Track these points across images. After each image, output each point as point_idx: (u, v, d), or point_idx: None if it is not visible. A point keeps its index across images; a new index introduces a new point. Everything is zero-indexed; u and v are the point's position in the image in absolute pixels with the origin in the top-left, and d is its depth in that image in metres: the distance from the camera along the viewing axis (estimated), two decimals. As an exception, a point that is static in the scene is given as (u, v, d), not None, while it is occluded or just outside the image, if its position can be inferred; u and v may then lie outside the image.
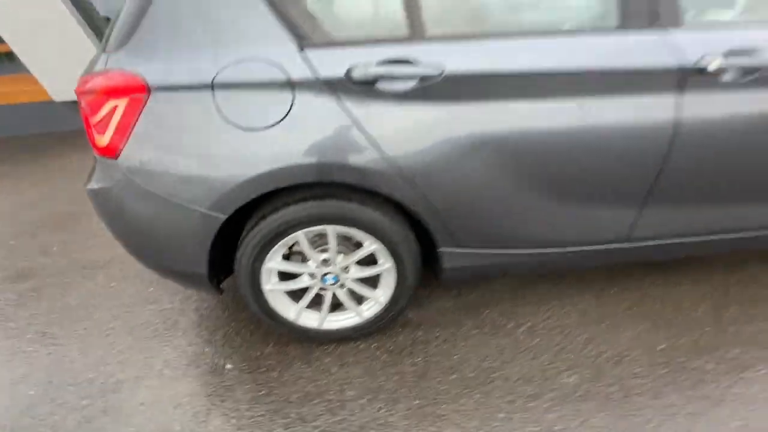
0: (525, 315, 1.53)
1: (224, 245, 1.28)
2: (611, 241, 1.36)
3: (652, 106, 1.10)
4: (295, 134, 1.06)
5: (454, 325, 1.52)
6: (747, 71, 1.07)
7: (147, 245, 1.22)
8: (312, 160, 1.06)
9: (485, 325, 1.50)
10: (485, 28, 1.08)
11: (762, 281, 1.61)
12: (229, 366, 1.40)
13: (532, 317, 1.52)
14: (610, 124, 1.10)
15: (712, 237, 1.38)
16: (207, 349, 1.46)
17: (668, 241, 1.38)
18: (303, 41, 1.04)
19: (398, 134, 1.08)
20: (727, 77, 1.07)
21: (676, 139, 1.13)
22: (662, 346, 1.37)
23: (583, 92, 1.08)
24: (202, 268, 1.22)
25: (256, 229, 1.18)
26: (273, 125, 1.05)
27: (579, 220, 1.27)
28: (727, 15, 1.15)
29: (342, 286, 1.35)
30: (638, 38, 1.06)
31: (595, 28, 1.08)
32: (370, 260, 1.34)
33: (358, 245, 1.29)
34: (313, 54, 1.04)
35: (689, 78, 1.07)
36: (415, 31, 1.05)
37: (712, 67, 1.04)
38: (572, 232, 1.30)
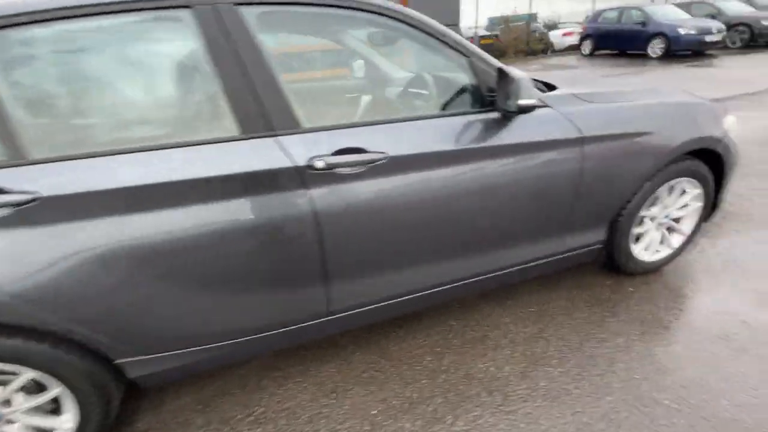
0: (260, 399, 1.51)
1: None
2: (314, 317, 1.43)
3: (287, 202, 1.20)
4: None
5: (182, 427, 1.45)
6: (360, 164, 1.24)
7: None
8: None
9: (213, 421, 1.46)
10: (91, 148, 1.09)
11: (481, 322, 1.82)
12: None
13: (267, 400, 1.51)
14: (248, 222, 1.18)
15: (417, 294, 1.53)
16: None
17: (374, 306, 1.50)
18: None
19: (10, 262, 1.03)
20: (346, 170, 1.24)
21: (322, 225, 1.24)
22: (374, 411, 1.45)
23: (212, 196, 1.14)
24: None
25: None
26: None
27: (264, 306, 1.32)
28: (342, 118, 1.34)
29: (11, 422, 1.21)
30: (256, 144, 1.18)
31: (218, 138, 1.18)
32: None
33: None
34: None
35: (308, 175, 1.20)
36: (10, 156, 1.04)
37: (319, 165, 1.19)
38: (261, 317, 1.33)
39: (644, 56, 10.89)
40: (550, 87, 1.80)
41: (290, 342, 1.54)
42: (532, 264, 1.70)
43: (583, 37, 12.57)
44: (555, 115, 1.51)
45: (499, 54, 13.96)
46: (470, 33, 13.43)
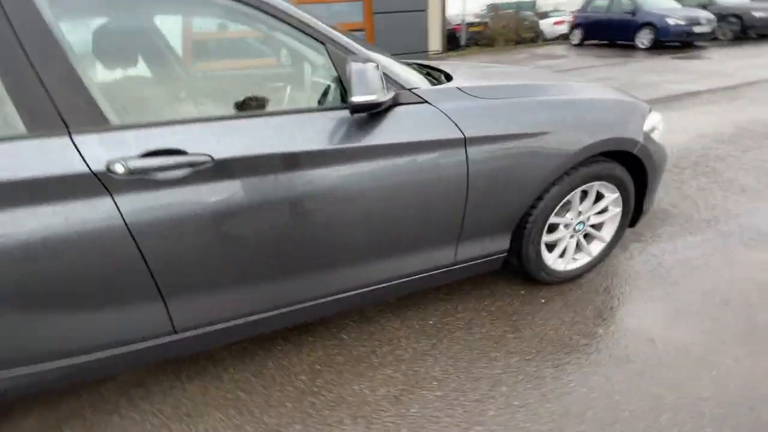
0: (107, 425, 1.36)
1: None
2: (158, 335, 1.29)
3: (90, 211, 1.03)
4: None
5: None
6: (178, 168, 1.09)
7: None
8: None
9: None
10: None
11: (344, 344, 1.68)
12: None
13: (116, 425, 1.36)
14: (51, 233, 1.00)
15: (277, 312, 1.37)
16: None
17: (228, 324, 1.36)
18: None
19: None
20: (161, 175, 1.08)
21: (136, 237, 1.08)
22: (222, 440, 1.32)
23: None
24: None
25: None
26: None
27: (96, 324, 1.17)
28: (162, 115, 1.17)
29: None
30: (44, 144, 1.01)
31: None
32: None
33: None
34: None
35: (112, 181, 1.04)
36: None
37: (120, 169, 1.02)
38: (94, 335, 1.18)
39: (633, 47, 10.65)
40: (450, 78, 1.64)
41: (137, 361, 1.39)
42: (417, 276, 1.55)
43: (573, 27, 12.24)
44: (432, 113, 1.34)
45: (488, 42, 13.72)
46: (458, 20, 13.12)
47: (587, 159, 1.61)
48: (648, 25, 9.97)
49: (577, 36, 12.10)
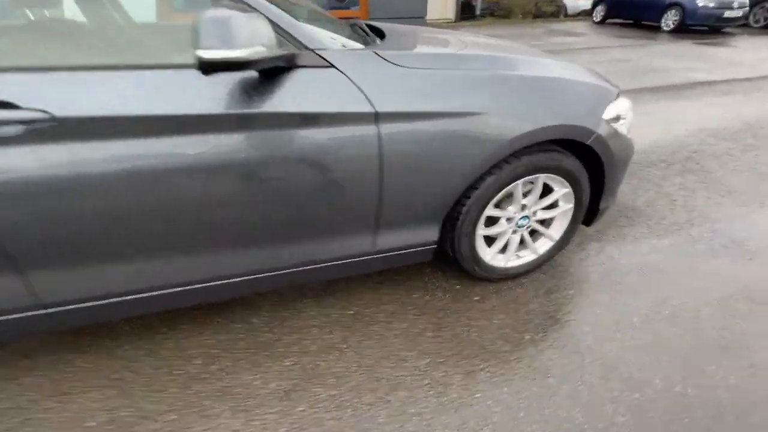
0: None
1: None
2: (22, 310, 1.18)
3: None
4: None
5: None
6: (7, 124, 0.93)
7: None
8: None
9: None
10: None
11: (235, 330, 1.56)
12: None
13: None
14: None
15: (159, 292, 1.24)
16: None
17: (105, 302, 1.24)
18: None
19: None
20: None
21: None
22: (91, 424, 1.22)
23: None
24: None
25: None
26: None
27: None
28: None
29: None
30: None
31: None
32: None
33: None
34: None
35: None
36: None
37: None
38: None
39: (658, 28, 9.98)
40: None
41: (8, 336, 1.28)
42: (333, 263, 1.41)
43: (596, 2, 11.49)
44: (337, 80, 1.15)
45: (504, 14, 12.99)
46: (474, -12, 12.37)
47: (531, 147, 1.43)
48: (675, 5, 9.28)
49: (599, 13, 11.37)
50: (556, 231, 1.71)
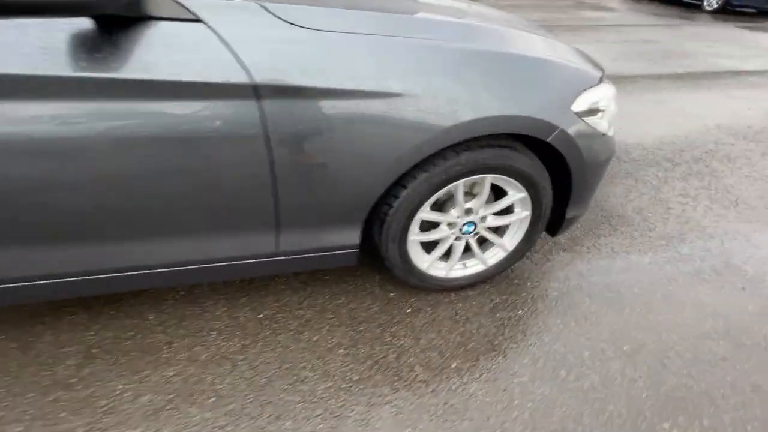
0: None
1: None
2: None
3: None
4: None
5: None
6: None
7: None
8: None
9: None
10: None
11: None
12: None
13: None
14: None
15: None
16: None
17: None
18: None
19: None
20: None
21: None
22: None
23: None
24: None
25: None
26: None
27: None
28: None
29: None
30: None
31: None
32: None
33: None
34: None
35: None
36: None
37: None
38: None
39: (699, 7, 9.11)
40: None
41: None
42: (233, 263, 1.19)
43: (635, -26, 10.54)
44: (205, 39, 0.88)
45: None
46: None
47: (479, 141, 1.17)
48: (721, -18, 8.42)
49: (637, -13, 10.44)
50: (510, 240, 1.45)
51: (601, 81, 1.30)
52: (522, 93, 1.11)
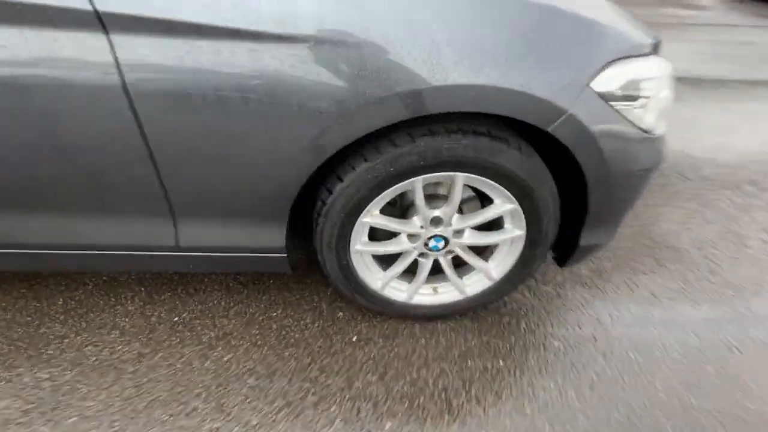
0: None
1: None
2: None
3: None
4: None
5: None
6: None
7: None
8: None
9: None
10: None
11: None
12: None
13: None
14: None
15: None
16: None
17: None
18: None
19: None
20: None
21: None
22: None
23: None
24: None
25: None
26: None
27: None
28: None
29: None
30: None
31: None
32: None
33: None
34: None
35: None
36: None
37: None
38: None
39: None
40: None
41: None
42: (126, 253, 0.95)
43: (742, -29, 9.11)
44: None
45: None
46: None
47: (439, 123, 0.83)
48: None
49: (741, -15, 9.03)
50: (497, 266, 1.07)
51: (651, 53, 0.90)
52: (513, 54, 0.74)
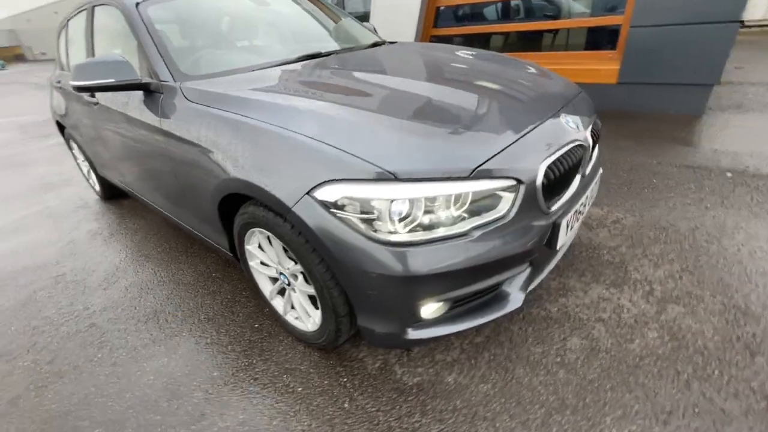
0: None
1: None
2: None
3: None
4: None
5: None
6: None
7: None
8: None
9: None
10: None
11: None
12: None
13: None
14: None
15: None
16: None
17: None
18: None
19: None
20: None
21: None
22: None
23: None
24: None
25: None
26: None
27: None
28: None
29: None
30: None
31: None
32: None
33: None
34: None
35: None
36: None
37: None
38: None
39: None
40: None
41: None
42: None
43: None
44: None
45: None
46: None
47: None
48: None
49: None
50: (317, 313, 1.32)
51: (382, 179, 1.00)
52: (264, 164, 1.14)
